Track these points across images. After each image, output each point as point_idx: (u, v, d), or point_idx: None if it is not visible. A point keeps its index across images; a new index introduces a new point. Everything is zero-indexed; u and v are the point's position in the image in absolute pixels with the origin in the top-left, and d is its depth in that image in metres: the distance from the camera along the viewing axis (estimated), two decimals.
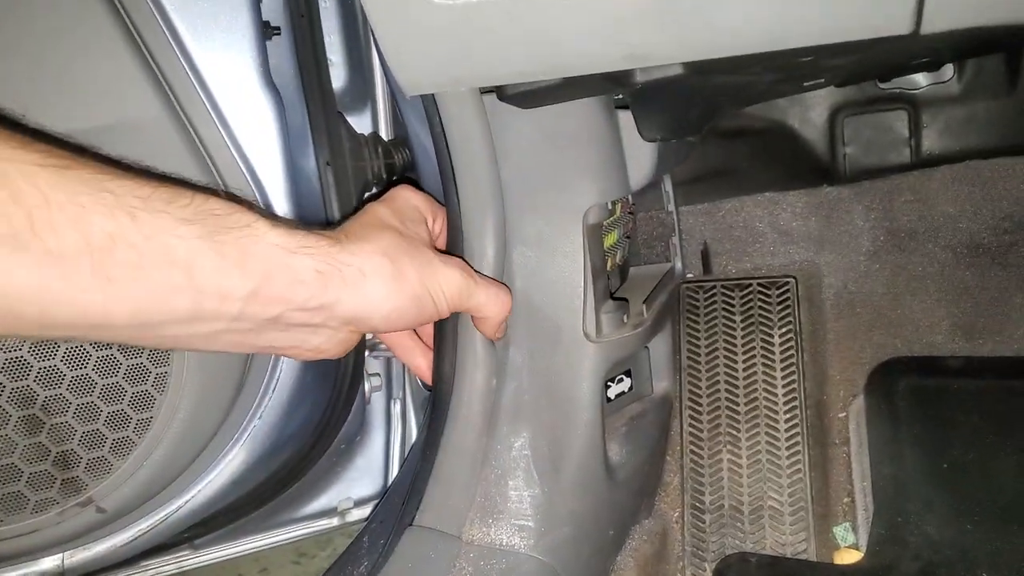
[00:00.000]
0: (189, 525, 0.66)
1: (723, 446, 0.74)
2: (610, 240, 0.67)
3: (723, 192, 0.89)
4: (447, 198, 0.57)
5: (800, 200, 0.87)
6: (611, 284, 0.70)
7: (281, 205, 0.63)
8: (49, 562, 0.60)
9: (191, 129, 0.59)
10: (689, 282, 0.84)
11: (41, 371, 0.52)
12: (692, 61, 0.44)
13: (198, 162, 0.59)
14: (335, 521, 0.82)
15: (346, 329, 0.47)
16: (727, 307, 0.80)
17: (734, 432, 0.74)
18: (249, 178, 0.62)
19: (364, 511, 0.83)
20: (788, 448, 0.72)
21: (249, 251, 0.41)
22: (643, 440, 0.68)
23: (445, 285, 0.50)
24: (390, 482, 0.84)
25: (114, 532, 0.61)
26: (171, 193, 0.39)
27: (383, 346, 0.79)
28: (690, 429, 0.74)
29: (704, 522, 0.71)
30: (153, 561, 0.72)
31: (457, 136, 0.52)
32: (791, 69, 0.54)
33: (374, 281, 0.46)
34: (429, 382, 0.61)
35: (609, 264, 0.67)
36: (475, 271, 0.54)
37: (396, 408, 0.85)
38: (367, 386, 0.79)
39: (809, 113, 0.90)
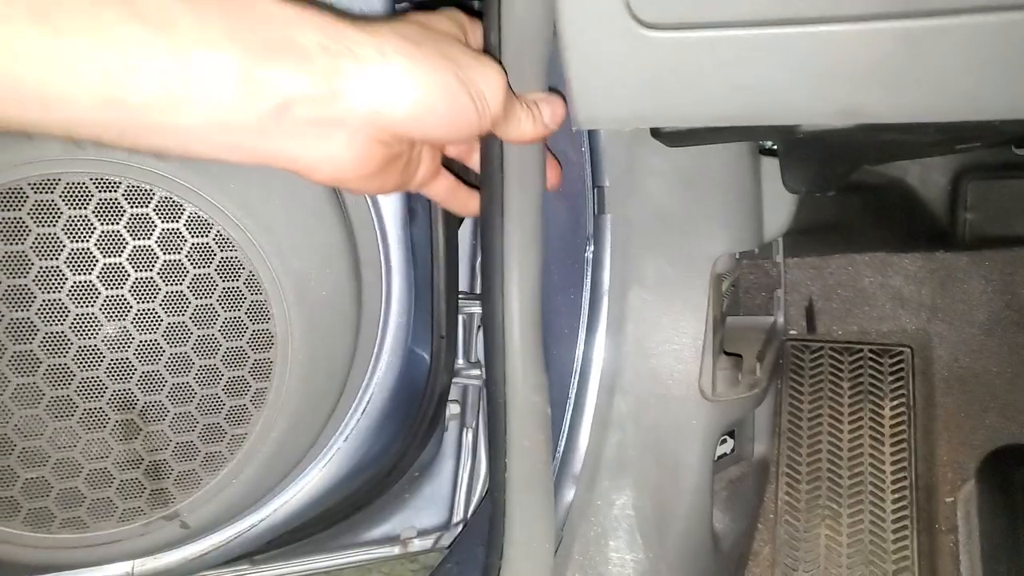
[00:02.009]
0: (260, 543, 0.63)
1: (822, 520, 0.69)
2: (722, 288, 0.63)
3: (833, 247, 0.85)
4: (486, 226, 0.51)
5: (914, 263, 0.82)
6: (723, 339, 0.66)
7: (392, 223, 0.61)
8: (119, 568, 0.58)
9: None
10: (794, 340, 0.80)
11: (144, 375, 0.50)
12: None
13: None
14: (396, 550, 0.78)
15: (365, 134, 0.37)
16: (835, 371, 0.76)
17: (835, 507, 0.69)
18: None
19: (426, 542, 0.79)
20: (894, 532, 0.67)
21: (239, 17, 0.33)
22: (743, 507, 0.63)
23: (483, 81, 0.39)
24: (455, 515, 0.81)
25: (186, 545, 0.59)
26: None
27: (464, 371, 0.76)
28: (787, 498, 0.70)
29: None
30: (213, 573, 0.69)
31: (516, 157, 0.45)
32: (966, 131, 0.50)
33: (395, 62, 0.36)
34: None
35: (723, 318, 0.63)
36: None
37: (468, 438, 0.82)
38: (447, 413, 0.76)
39: (931, 173, 0.86)
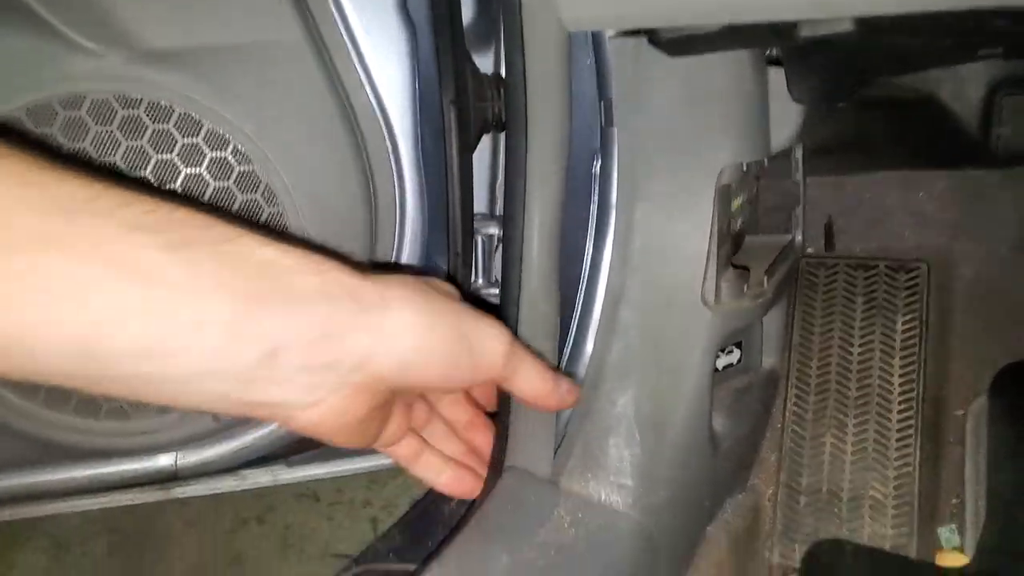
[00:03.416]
0: (288, 443, 0.68)
1: (827, 429, 0.71)
2: (734, 205, 0.64)
3: (854, 166, 0.83)
4: (510, 146, 0.54)
5: (940, 180, 0.81)
6: (731, 252, 0.67)
7: (405, 142, 0.63)
8: (165, 459, 0.63)
9: (326, 55, 0.58)
10: (810, 257, 0.80)
11: None
12: (866, 17, 0.41)
13: (329, 87, 0.58)
14: None
15: (355, 380, 0.35)
16: (848, 287, 0.76)
17: (841, 416, 0.71)
18: (377, 109, 0.61)
19: None
20: (898, 440, 0.69)
21: (232, 268, 0.31)
22: (747, 414, 0.66)
23: (486, 339, 0.39)
24: None
25: (225, 440, 0.64)
26: (127, 197, 0.30)
27: (483, 290, 0.78)
28: (794, 408, 0.72)
29: (798, 503, 0.69)
30: (251, 471, 0.75)
31: (539, 75, 0.47)
32: (975, 33, 0.49)
33: (398, 313, 0.35)
34: (453, 494, 0.51)
35: (730, 230, 0.64)
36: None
37: None
38: None
39: (965, 87, 0.83)
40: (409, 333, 0.36)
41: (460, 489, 0.49)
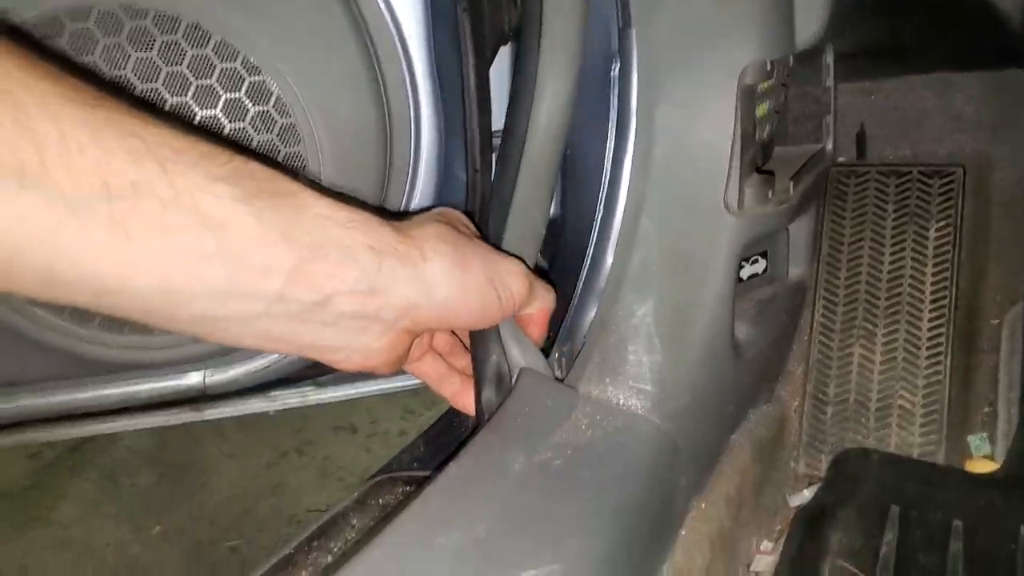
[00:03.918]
0: (315, 363, 0.69)
1: (856, 340, 0.70)
2: (760, 111, 0.62)
3: (887, 70, 0.80)
4: (522, 48, 0.52)
5: (978, 82, 0.77)
6: (756, 159, 0.65)
7: (419, 52, 0.61)
8: (194, 377, 0.65)
9: None
10: (840, 166, 0.78)
11: None
12: None
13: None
14: None
15: (399, 326, 0.41)
16: (880, 195, 0.74)
17: (870, 327, 0.69)
18: (388, 18, 0.60)
19: None
20: (929, 349, 0.67)
21: (294, 220, 0.35)
22: (772, 324, 0.64)
23: (509, 279, 0.44)
24: None
25: (251, 359, 0.65)
26: (209, 149, 0.34)
27: None
28: (822, 319, 0.71)
29: (825, 414, 0.68)
30: (280, 392, 0.77)
31: None
32: None
33: (435, 264, 0.40)
34: (471, 413, 0.54)
35: (756, 137, 0.62)
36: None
37: None
38: None
39: None
40: (446, 284, 0.41)
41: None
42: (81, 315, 0.57)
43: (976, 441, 0.67)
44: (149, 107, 0.34)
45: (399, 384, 0.82)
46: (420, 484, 0.54)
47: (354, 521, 0.50)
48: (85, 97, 0.31)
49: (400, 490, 0.54)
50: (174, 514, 1.38)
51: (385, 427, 1.46)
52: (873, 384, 0.68)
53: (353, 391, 0.81)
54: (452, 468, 0.44)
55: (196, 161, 0.33)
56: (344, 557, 0.45)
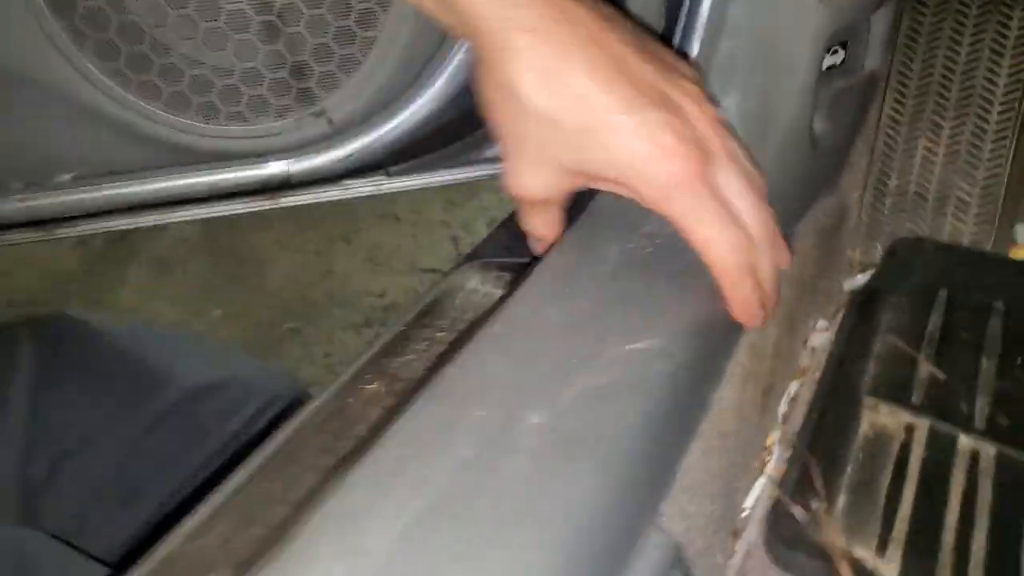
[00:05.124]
0: (391, 151, 0.71)
1: (922, 132, 0.71)
2: None
3: None
4: None
5: None
6: None
7: None
8: (277, 166, 0.67)
9: None
10: None
11: None
12: None
13: None
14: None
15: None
16: None
17: (938, 119, 0.70)
18: None
19: None
20: (994, 142, 0.68)
21: None
22: (845, 116, 0.65)
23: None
24: None
25: (333, 148, 0.67)
26: None
27: None
28: (891, 112, 0.71)
29: (884, 204, 0.71)
30: (354, 181, 0.79)
31: None
32: None
33: None
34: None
35: None
36: None
37: None
38: None
39: None
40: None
41: None
42: (176, 103, 0.58)
43: (1022, 229, 0.70)
44: None
45: (464, 176, 0.84)
46: (516, 270, 0.58)
47: (457, 301, 0.55)
48: None
49: (494, 275, 0.58)
50: (233, 299, 1.46)
51: (427, 216, 1.50)
52: (934, 176, 0.70)
53: (419, 181, 0.83)
54: (554, 255, 0.48)
55: None
56: (460, 333, 0.50)
